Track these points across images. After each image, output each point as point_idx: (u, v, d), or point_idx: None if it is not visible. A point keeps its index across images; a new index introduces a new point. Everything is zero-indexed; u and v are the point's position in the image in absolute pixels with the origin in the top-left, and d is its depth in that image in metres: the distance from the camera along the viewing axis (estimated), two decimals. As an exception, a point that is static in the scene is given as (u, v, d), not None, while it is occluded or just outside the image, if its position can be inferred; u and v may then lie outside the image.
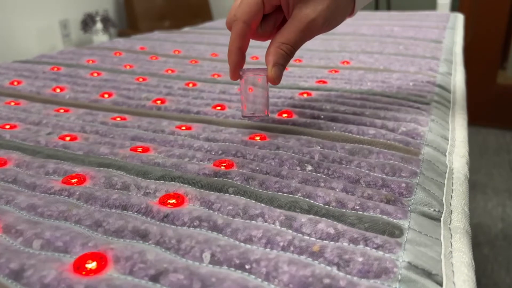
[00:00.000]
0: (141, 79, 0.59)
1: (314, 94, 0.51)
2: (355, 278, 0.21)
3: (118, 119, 0.45)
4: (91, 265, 0.21)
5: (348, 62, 0.67)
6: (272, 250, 0.23)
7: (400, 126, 0.41)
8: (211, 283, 0.20)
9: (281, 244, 0.23)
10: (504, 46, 2.10)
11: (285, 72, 0.62)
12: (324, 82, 0.56)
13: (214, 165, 0.33)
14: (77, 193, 0.28)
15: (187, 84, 0.56)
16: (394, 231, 0.25)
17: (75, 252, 0.22)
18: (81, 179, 0.30)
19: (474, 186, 1.65)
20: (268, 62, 0.35)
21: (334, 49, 0.78)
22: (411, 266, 0.22)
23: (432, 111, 0.46)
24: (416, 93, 0.50)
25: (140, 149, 0.36)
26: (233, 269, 0.22)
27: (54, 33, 2.04)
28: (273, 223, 0.25)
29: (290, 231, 0.24)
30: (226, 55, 0.65)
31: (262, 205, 0.27)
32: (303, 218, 0.25)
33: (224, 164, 0.33)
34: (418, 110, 0.45)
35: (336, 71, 0.62)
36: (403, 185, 0.31)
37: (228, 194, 0.28)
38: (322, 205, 0.28)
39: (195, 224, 0.25)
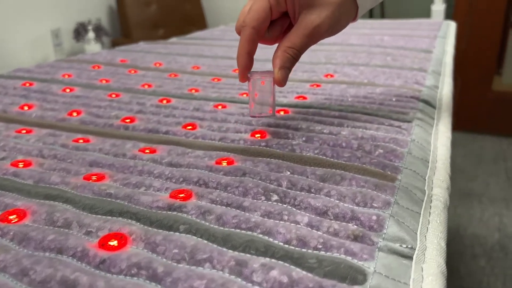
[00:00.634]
0: (114, 95, 0.57)
1: (291, 111, 0.49)
2: None
3: (81, 141, 0.42)
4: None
5: (332, 75, 0.65)
6: (216, 303, 0.20)
7: (377, 147, 0.39)
8: None
9: (227, 295, 0.21)
10: (500, 52, 2.08)
11: (265, 87, 0.60)
12: (304, 98, 0.54)
13: (170, 196, 0.30)
14: (12, 233, 0.26)
15: (161, 101, 0.54)
16: (357, 277, 0.23)
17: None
18: (21, 215, 0.27)
19: (470, 195, 1.62)
20: (274, 65, 0.37)
21: (319, 61, 0.76)
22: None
23: (413, 130, 0.43)
24: (398, 110, 0.48)
25: (94, 177, 0.33)
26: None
27: (46, 43, 2.02)
28: (222, 270, 0.23)
29: (239, 280, 0.22)
30: (208, 68, 0.63)
31: (214, 246, 0.24)
32: (256, 263, 0.23)
33: (182, 195, 0.30)
34: (398, 129, 0.43)
35: (318, 86, 0.59)
36: (374, 217, 0.28)
37: (178, 233, 0.26)
38: (281, 244, 0.25)
39: (132, 272, 0.22)
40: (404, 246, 0.27)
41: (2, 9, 1.80)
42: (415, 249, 0.27)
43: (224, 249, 0.24)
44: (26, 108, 0.53)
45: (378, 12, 2.23)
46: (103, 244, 0.24)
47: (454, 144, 2.07)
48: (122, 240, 0.24)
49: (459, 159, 1.92)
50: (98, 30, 2.09)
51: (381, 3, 2.16)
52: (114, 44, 2.29)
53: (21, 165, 0.36)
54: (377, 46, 0.91)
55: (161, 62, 0.78)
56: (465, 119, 2.15)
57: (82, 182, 0.33)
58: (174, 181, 0.33)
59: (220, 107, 0.51)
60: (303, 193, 0.32)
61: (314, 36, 0.37)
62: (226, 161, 0.36)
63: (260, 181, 0.33)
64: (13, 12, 1.85)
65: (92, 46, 2.06)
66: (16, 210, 0.28)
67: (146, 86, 0.62)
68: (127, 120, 0.47)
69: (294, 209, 0.30)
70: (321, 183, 0.33)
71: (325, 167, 0.36)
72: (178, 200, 0.30)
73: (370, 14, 2.14)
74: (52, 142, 0.42)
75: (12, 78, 0.67)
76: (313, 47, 0.92)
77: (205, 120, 0.47)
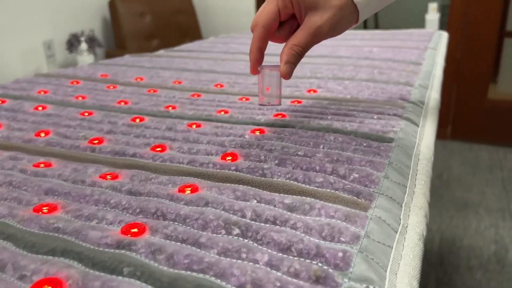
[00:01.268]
0: (86, 114, 0.55)
1: (267, 131, 0.46)
2: None
3: (42, 165, 0.40)
4: None
5: (315, 91, 0.63)
6: None
7: (352, 171, 0.36)
8: None
9: None
10: (496, 60, 2.07)
11: (244, 103, 0.58)
12: (283, 115, 0.52)
13: (121, 231, 0.28)
14: None
15: (134, 119, 0.52)
16: (312, 329, 0.20)
17: None
18: (-46, 256, 0.25)
19: (466, 205, 1.60)
20: (281, 60, 0.42)
21: (305, 75, 0.74)
22: None
23: (392, 152, 0.41)
24: (378, 129, 0.46)
25: (45, 209, 0.31)
26: None
27: (38, 54, 2.01)
28: (160, 323, 0.20)
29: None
30: (190, 83, 0.63)
31: (157, 292, 0.22)
32: (199, 313, 0.21)
33: (134, 230, 0.28)
34: (376, 151, 0.41)
35: (299, 102, 0.57)
36: (340, 254, 0.26)
37: (120, 277, 0.23)
38: (233, 288, 0.23)
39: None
40: (371, 287, 0.24)
41: (-8, 21, 1.79)
42: (382, 292, 0.24)
43: (168, 297, 0.22)
44: (-7, 128, 0.51)
45: (372, 22, 2.22)
46: (34, 292, 0.22)
47: (451, 153, 2.05)
48: (57, 286, 0.22)
49: (455, 168, 1.90)
50: (91, 41, 2.08)
51: (375, 13, 2.15)
52: (108, 55, 2.27)
53: (-29, 194, 0.34)
54: (365, 58, 0.89)
55: (142, 76, 0.76)
56: (462, 128, 2.13)
57: (30, 214, 0.30)
58: (130, 212, 0.31)
59: (194, 126, 0.49)
60: (267, 225, 0.29)
61: (317, 36, 0.41)
62: (190, 188, 0.34)
63: (222, 212, 0.31)
64: (5, 23, 1.84)
65: (85, 57, 2.05)
66: (-51, 250, 0.26)
67: (122, 103, 0.60)
68: (95, 141, 0.45)
69: (255, 244, 0.28)
70: (288, 213, 0.31)
71: (295, 194, 0.34)
72: (129, 236, 0.28)
73: (364, 25, 2.13)
74: (11, 166, 0.40)
75: (-15, 95, 0.65)
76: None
77: (176, 141, 0.45)
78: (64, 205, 0.32)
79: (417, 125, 0.50)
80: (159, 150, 0.43)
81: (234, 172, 0.38)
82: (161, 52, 1.09)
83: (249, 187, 0.35)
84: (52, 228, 0.29)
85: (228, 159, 0.40)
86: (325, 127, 0.47)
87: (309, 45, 0.42)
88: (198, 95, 0.63)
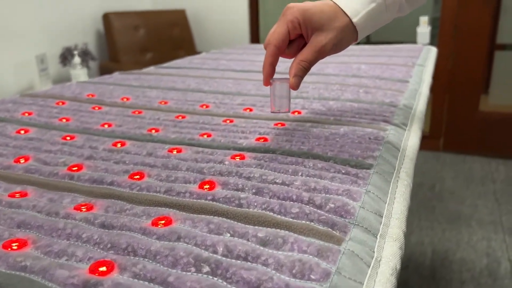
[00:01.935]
0: (68, 138, 0.54)
1: (247, 156, 0.46)
2: None
3: (18, 195, 0.40)
4: None
5: (299, 112, 0.63)
6: None
7: (329, 201, 0.36)
8: None
9: None
10: (487, 71, 2.09)
11: (228, 126, 0.58)
12: (265, 139, 0.52)
13: (89, 269, 0.28)
14: None
15: (115, 144, 0.52)
16: None
17: None
18: None
19: (459, 218, 1.60)
20: (290, 74, 0.47)
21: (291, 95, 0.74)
22: None
23: (370, 179, 0.41)
24: (358, 154, 0.46)
25: (15, 245, 0.31)
26: None
27: (31, 68, 2.01)
28: None
29: None
30: (176, 103, 0.63)
31: None
32: None
33: (102, 269, 0.28)
34: (354, 179, 0.41)
35: (282, 125, 0.57)
36: (309, 294, 0.26)
37: (82, 322, 0.23)
38: (196, 334, 0.23)
39: None
40: (338, 329, 0.24)
41: (-15, 36, 1.79)
42: (350, 333, 0.24)
43: None
44: (-27, 153, 0.50)
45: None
46: None
47: (443, 165, 2.05)
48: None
49: (448, 180, 1.90)
50: (85, 54, 2.08)
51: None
52: (102, 68, 2.28)
53: None
54: (352, 75, 0.90)
55: (129, 96, 0.76)
56: (454, 139, 2.14)
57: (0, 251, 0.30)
58: (101, 247, 0.31)
59: (175, 151, 0.49)
60: (238, 262, 0.29)
61: (322, 53, 0.46)
62: (163, 221, 0.34)
63: (194, 247, 0.31)
64: (-3, 38, 1.84)
65: (78, 71, 2.05)
66: None
67: (105, 126, 0.59)
68: (74, 168, 0.45)
69: (224, 283, 0.27)
70: (261, 248, 0.31)
71: (269, 227, 0.33)
72: (97, 275, 0.27)
73: (356, 37, 2.14)
74: (-14, 197, 0.39)
75: (-31, 117, 0.64)
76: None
77: (155, 168, 0.45)
78: (35, 240, 0.32)
79: (398, 149, 0.50)
80: (137, 178, 0.42)
81: (211, 202, 0.38)
82: (151, 69, 1.09)
83: (224, 218, 0.35)
84: (19, 267, 0.28)
85: (206, 188, 0.40)
86: (305, 152, 0.47)
87: (314, 60, 0.47)
88: (183, 117, 0.63)
